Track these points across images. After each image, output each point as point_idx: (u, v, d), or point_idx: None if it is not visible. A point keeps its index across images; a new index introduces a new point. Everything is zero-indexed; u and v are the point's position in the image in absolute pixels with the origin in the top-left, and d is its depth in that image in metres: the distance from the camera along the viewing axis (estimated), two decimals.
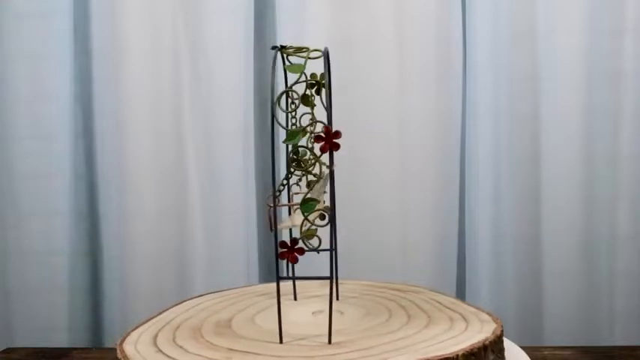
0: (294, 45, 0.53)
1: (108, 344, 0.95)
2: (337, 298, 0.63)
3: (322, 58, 0.50)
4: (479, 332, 0.51)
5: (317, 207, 0.47)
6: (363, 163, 0.90)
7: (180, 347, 0.50)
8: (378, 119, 0.91)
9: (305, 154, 0.56)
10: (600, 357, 0.76)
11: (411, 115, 0.91)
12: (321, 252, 0.49)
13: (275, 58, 0.50)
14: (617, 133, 0.88)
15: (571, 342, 0.88)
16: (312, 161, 0.50)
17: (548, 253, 0.90)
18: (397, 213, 0.91)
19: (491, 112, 0.91)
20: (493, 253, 0.92)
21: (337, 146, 0.46)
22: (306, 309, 0.60)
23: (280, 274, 0.50)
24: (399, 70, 0.90)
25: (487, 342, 0.49)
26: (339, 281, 0.65)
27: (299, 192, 0.59)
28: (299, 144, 0.50)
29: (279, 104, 0.48)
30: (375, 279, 0.71)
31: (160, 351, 0.49)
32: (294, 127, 0.51)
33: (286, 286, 0.68)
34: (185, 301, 0.65)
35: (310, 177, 0.57)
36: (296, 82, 0.49)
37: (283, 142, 0.49)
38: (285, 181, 0.57)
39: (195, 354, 0.48)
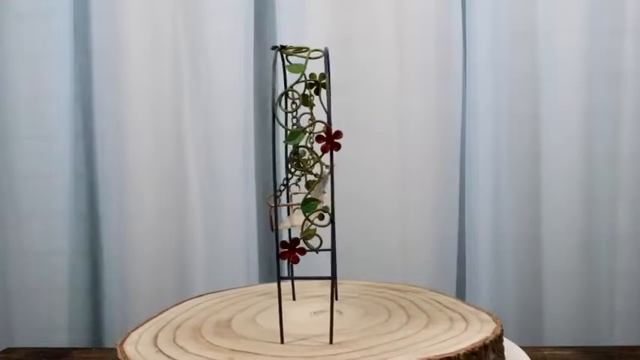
0: (294, 45, 0.53)
1: (108, 344, 0.95)
2: (336, 298, 0.63)
3: (322, 58, 0.50)
4: (479, 332, 0.51)
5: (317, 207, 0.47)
6: (363, 163, 0.90)
7: (181, 348, 0.50)
8: (378, 119, 0.91)
9: (304, 154, 0.56)
10: (600, 357, 0.76)
11: (411, 115, 0.91)
12: (320, 252, 0.49)
13: (275, 58, 0.50)
14: (617, 133, 0.88)
15: (571, 342, 0.88)
16: (312, 161, 0.50)
17: (548, 253, 0.90)
18: (397, 213, 0.91)
19: (491, 112, 0.91)
20: (493, 253, 0.92)
21: (338, 146, 0.46)
22: (305, 309, 0.60)
23: (281, 274, 0.50)
24: (399, 70, 0.90)
25: (488, 341, 0.49)
26: (338, 281, 0.65)
27: (298, 192, 0.59)
28: (299, 144, 0.50)
29: (280, 104, 0.48)
30: (374, 279, 0.71)
31: (161, 351, 0.49)
32: (294, 127, 0.51)
33: (285, 286, 0.68)
34: (185, 301, 0.65)
35: (309, 177, 0.57)
36: (296, 82, 0.49)
37: (284, 142, 0.49)
38: (286, 181, 0.57)
39: (196, 354, 0.48)
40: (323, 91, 0.52)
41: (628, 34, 0.87)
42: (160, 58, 0.91)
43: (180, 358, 0.47)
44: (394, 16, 0.90)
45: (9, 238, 0.94)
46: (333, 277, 0.49)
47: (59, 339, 0.92)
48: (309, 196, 0.47)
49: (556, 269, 0.90)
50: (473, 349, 0.47)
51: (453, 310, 0.58)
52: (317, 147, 0.49)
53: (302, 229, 0.48)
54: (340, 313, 0.58)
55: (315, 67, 0.52)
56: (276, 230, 0.50)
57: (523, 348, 0.59)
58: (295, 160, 0.55)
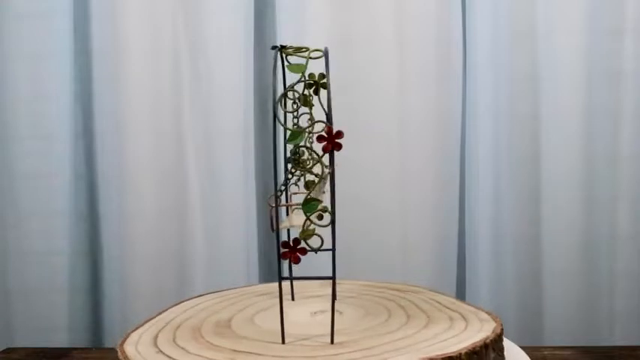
0: (294, 45, 0.53)
1: (108, 344, 0.95)
2: (335, 298, 0.63)
3: (322, 58, 0.50)
4: (479, 331, 0.51)
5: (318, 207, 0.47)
6: (363, 163, 0.90)
7: (182, 348, 0.50)
8: (378, 119, 0.91)
9: (303, 154, 0.56)
10: (600, 357, 0.76)
11: (411, 115, 0.91)
12: (320, 252, 0.49)
13: (276, 58, 0.50)
14: (617, 133, 0.88)
15: (571, 342, 0.88)
16: (312, 161, 0.50)
17: (548, 253, 0.90)
18: (397, 213, 0.91)
19: (491, 112, 0.91)
20: (493, 253, 0.92)
21: (339, 146, 0.46)
22: (305, 309, 0.60)
23: (275, 275, 0.50)
24: (399, 70, 0.90)
25: (488, 340, 0.49)
26: (338, 281, 0.65)
27: (297, 192, 0.59)
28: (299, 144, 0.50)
29: (280, 104, 0.48)
30: (374, 279, 0.71)
31: (161, 352, 0.49)
32: (295, 127, 0.51)
33: (284, 286, 0.68)
34: (184, 301, 0.65)
35: (309, 177, 0.57)
36: (297, 82, 0.49)
37: (286, 142, 0.49)
38: (288, 181, 0.57)
39: (197, 355, 0.48)
40: (322, 91, 0.52)
41: (628, 34, 0.87)
42: (159, 58, 0.91)
43: (181, 358, 0.47)
44: (394, 16, 0.90)
45: (9, 238, 0.94)
46: (333, 277, 0.49)
47: (59, 339, 0.92)
48: (310, 196, 0.47)
49: (556, 269, 0.90)
50: (474, 348, 0.47)
51: (453, 310, 0.58)
52: (317, 147, 0.49)
53: (303, 229, 0.48)
54: (340, 313, 0.58)
55: (316, 67, 0.52)
56: (277, 230, 0.50)
57: (523, 348, 0.59)
58: (296, 160, 0.55)
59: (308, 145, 0.53)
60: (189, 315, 0.59)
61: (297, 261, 0.48)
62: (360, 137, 0.90)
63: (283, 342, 0.50)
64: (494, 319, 0.55)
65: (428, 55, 0.90)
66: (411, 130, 0.91)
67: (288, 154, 0.58)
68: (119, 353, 0.49)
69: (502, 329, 0.52)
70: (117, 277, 0.93)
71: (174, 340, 0.52)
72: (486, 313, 0.57)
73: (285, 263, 0.67)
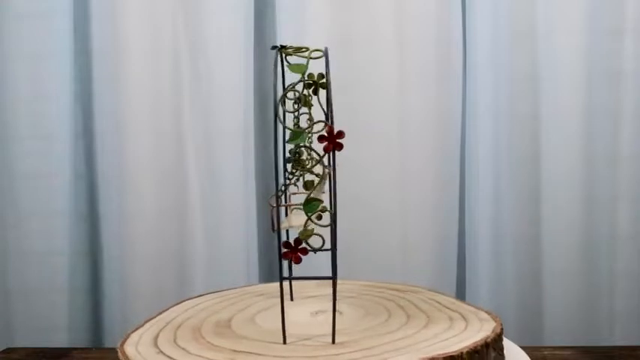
0: (294, 45, 0.53)
1: (108, 344, 0.95)
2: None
3: (323, 57, 0.50)
4: (479, 331, 0.51)
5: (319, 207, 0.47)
6: (363, 163, 0.90)
7: (183, 349, 0.49)
8: (378, 119, 0.91)
9: (302, 154, 0.56)
10: (600, 357, 0.76)
11: (411, 115, 0.91)
12: (319, 252, 0.49)
13: (276, 58, 0.50)
14: (617, 133, 0.88)
15: (571, 342, 0.88)
16: (312, 161, 0.50)
17: (548, 253, 0.90)
18: (397, 213, 0.91)
19: (491, 112, 0.91)
20: (493, 253, 0.92)
21: (340, 146, 0.46)
22: (304, 309, 0.60)
23: (275, 275, 0.50)
24: (399, 70, 0.90)
25: (489, 340, 0.49)
26: (337, 281, 0.65)
27: (297, 192, 0.59)
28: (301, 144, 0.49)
29: (282, 104, 0.48)
30: (373, 279, 0.71)
31: (162, 352, 0.49)
32: (296, 127, 0.51)
33: (277, 287, 0.68)
34: (184, 301, 0.65)
35: (307, 177, 0.57)
36: (298, 82, 0.49)
37: (287, 142, 0.49)
38: (288, 181, 0.57)
39: (197, 355, 0.48)
40: (321, 91, 0.52)
41: (628, 34, 0.87)
42: (159, 58, 0.91)
43: (182, 359, 0.47)
44: (394, 16, 0.90)
45: (9, 238, 0.94)
46: (334, 277, 0.49)
47: (59, 339, 0.92)
48: (311, 196, 0.47)
49: (556, 269, 0.90)
50: (475, 347, 0.47)
51: (452, 310, 0.58)
52: (317, 147, 0.49)
53: (305, 228, 0.48)
54: (340, 313, 0.58)
55: (316, 67, 0.52)
56: (278, 230, 0.50)
57: (523, 348, 0.59)
58: (298, 160, 0.55)
59: (307, 145, 0.53)
60: (190, 315, 0.59)
61: (299, 261, 0.48)
62: (360, 137, 0.90)
63: (285, 342, 0.50)
64: (494, 318, 0.55)
65: (428, 55, 0.90)
66: (411, 130, 0.91)
67: (287, 154, 0.58)
68: (120, 354, 0.49)
69: (502, 328, 0.52)
70: (117, 277, 0.93)
71: (174, 341, 0.52)
72: (486, 312, 0.57)
73: (285, 263, 0.67)
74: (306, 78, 0.51)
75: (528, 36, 0.89)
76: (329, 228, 0.48)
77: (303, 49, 0.52)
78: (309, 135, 0.51)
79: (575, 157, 0.89)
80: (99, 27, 0.92)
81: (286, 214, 0.59)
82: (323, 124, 0.48)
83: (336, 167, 0.47)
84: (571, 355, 0.76)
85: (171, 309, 0.62)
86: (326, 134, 0.46)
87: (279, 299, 0.62)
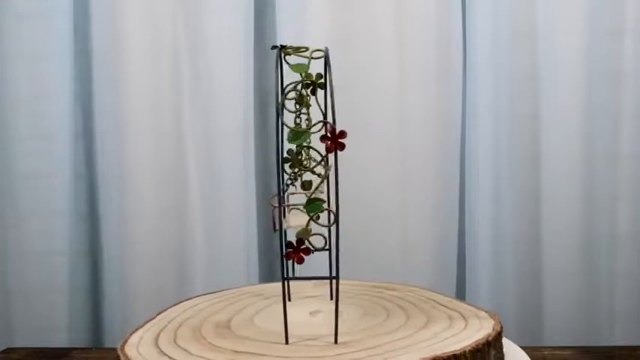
0: (294, 45, 0.53)
1: (108, 344, 0.95)
2: (331, 298, 0.63)
3: (323, 57, 0.50)
4: (479, 329, 0.51)
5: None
6: (363, 163, 0.90)
7: (185, 350, 0.49)
8: (378, 119, 0.91)
9: (300, 154, 0.56)
10: (600, 357, 0.76)
11: (411, 115, 0.91)
12: (317, 252, 0.49)
13: (277, 58, 0.50)
14: (617, 133, 0.88)
15: (571, 342, 0.88)
16: (310, 161, 0.50)
17: (548, 253, 0.90)
18: (397, 213, 0.91)
19: (491, 112, 0.91)
20: (493, 253, 0.92)
21: (343, 146, 0.46)
22: (302, 309, 0.59)
23: (275, 275, 0.50)
24: (399, 70, 0.90)
25: (490, 338, 0.49)
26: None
27: (295, 192, 0.58)
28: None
29: (283, 104, 0.48)
30: (372, 279, 0.71)
31: (163, 353, 0.49)
32: (298, 127, 0.51)
33: (276, 287, 0.68)
34: (182, 301, 0.65)
35: (305, 177, 0.57)
36: (298, 82, 0.49)
37: (288, 142, 0.49)
38: (289, 181, 0.57)
39: (199, 356, 0.48)
40: (320, 91, 0.52)
41: (628, 34, 0.87)
42: (159, 58, 0.91)
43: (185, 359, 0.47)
44: (394, 16, 0.90)
45: (9, 238, 0.94)
46: (336, 277, 0.49)
47: (59, 339, 0.92)
48: (313, 196, 0.47)
49: (556, 269, 0.90)
50: (477, 346, 0.47)
51: (451, 309, 0.58)
52: (318, 147, 0.49)
53: (304, 228, 0.48)
54: (340, 313, 0.58)
55: (316, 67, 0.52)
56: (280, 231, 0.50)
57: (523, 348, 0.59)
58: (291, 160, 0.55)
59: (308, 145, 0.53)
60: (189, 315, 0.59)
61: (301, 261, 0.48)
62: (360, 137, 0.89)
63: (287, 342, 0.50)
64: (493, 317, 0.55)
65: (428, 55, 0.90)
66: (411, 130, 0.91)
67: (285, 155, 0.58)
68: (121, 356, 0.49)
69: (501, 327, 0.53)
70: (117, 277, 0.93)
71: (175, 341, 0.52)
72: (485, 311, 0.57)
73: (286, 264, 0.66)
74: (304, 78, 0.51)
75: (528, 36, 0.89)
76: (327, 228, 0.48)
77: (303, 49, 0.52)
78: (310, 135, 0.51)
79: (575, 157, 0.89)
80: (99, 27, 0.92)
81: (283, 215, 0.59)
82: (321, 124, 0.48)
83: (332, 168, 0.47)
84: (571, 355, 0.76)
85: (171, 309, 0.62)
86: (328, 134, 0.46)
87: (276, 299, 0.63)
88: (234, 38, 0.91)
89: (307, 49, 0.52)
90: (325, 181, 0.48)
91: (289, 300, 0.63)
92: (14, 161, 0.93)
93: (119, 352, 0.50)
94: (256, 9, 0.94)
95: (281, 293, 0.62)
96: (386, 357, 0.46)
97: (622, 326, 0.89)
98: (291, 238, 0.49)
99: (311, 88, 0.51)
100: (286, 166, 0.51)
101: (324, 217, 0.49)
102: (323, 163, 0.48)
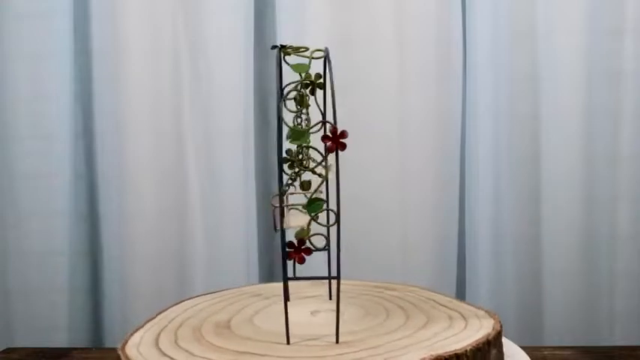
0: (294, 45, 0.53)
1: (108, 344, 0.95)
2: (330, 298, 0.63)
3: (324, 57, 0.50)
4: (479, 329, 0.51)
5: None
6: (363, 163, 0.90)
7: (186, 351, 0.49)
8: (378, 119, 0.91)
9: (300, 154, 0.56)
10: (600, 357, 0.76)
11: (411, 115, 0.91)
12: (317, 252, 0.49)
13: (278, 57, 0.50)
14: (617, 133, 0.88)
15: (571, 342, 0.88)
16: (309, 161, 0.50)
17: (548, 253, 0.90)
18: (397, 213, 0.91)
19: (491, 112, 0.91)
20: (493, 253, 0.92)
21: (344, 146, 0.46)
22: (302, 309, 0.59)
23: (275, 275, 0.50)
24: (399, 70, 0.90)
25: (490, 337, 0.49)
26: (335, 281, 0.65)
27: (294, 192, 0.58)
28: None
29: (284, 104, 0.48)
30: (372, 279, 0.71)
31: (164, 354, 0.49)
32: (299, 126, 0.51)
33: (275, 287, 0.68)
34: (182, 301, 0.64)
35: (304, 177, 0.57)
36: (298, 82, 0.49)
37: (290, 142, 0.49)
38: (290, 181, 0.56)
39: (201, 356, 0.48)
40: (319, 91, 0.52)
41: (628, 34, 0.87)
42: (159, 58, 0.91)
43: None
44: (394, 16, 0.90)
45: (9, 238, 0.94)
46: (337, 277, 0.49)
47: (59, 339, 0.92)
48: (314, 196, 0.47)
49: (556, 269, 0.90)
50: (478, 345, 0.47)
51: (451, 309, 0.58)
52: (318, 147, 0.49)
53: (303, 229, 0.48)
54: (341, 313, 0.58)
55: (317, 67, 0.52)
56: (281, 231, 0.50)
57: (523, 348, 0.59)
58: (293, 160, 0.55)
59: (309, 144, 0.53)
60: (189, 315, 0.59)
61: (302, 261, 0.48)
62: (360, 137, 0.89)
63: (288, 342, 0.49)
64: (493, 316, 0.55)
65: (428, 55, 0.90)
66: (411, 130, 0.91)
67: (284, 155, 0.58)
68: (122, 357, 0.49)
69: (501, 326, 0.53)
70: (117, 277, 0.93)
71: (175, 342, 0.51)
72: (485, 311, 0.57)
73: (288, 263, 0.66)
74: (303, 78, 0.51)
75: (528, 36, 0.89)
76: (326, 228, 0.48)
77: (302, 49, 0.52)
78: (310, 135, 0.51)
79: (575, 157, 0.89)
80: (99, 27, 0.92)
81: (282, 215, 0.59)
82: (320, 124, 0.48)
83: (331, 167, 0.47)
84: (571, 355, 0.76)
85: (170, 309, 0.62)
86: (330, 134, 0.46)
87: (276, 299, 0.63)
88: (234, 38, 0.91)
89: (307, 49, 0.52)
90: (331, 182, 0.48)
91: (288, 300, 0.63)
92: (14, 161, 0.93)
93: (120, 352, 0.50)
94: (256, 9, 0.94)
95: (281, 293, 0.62)
96: (387, 357, 0.46)
97: (622, 326, 0.89)
98: (291, 238, 0.49)
99: (310, 88, 0.51)
100: (286, 166, 0.51)
101: (322, 217, 0.49)
102: (323, 163, 0.48)
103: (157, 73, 0.91)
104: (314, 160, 0.50)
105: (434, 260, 0.92)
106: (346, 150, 0.47)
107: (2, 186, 0.94)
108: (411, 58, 0.90)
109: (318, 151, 0.49)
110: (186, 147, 0.92)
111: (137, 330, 0.55)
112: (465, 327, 0.52)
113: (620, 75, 0.87)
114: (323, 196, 0.49)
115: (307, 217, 0.48)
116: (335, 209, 0.47)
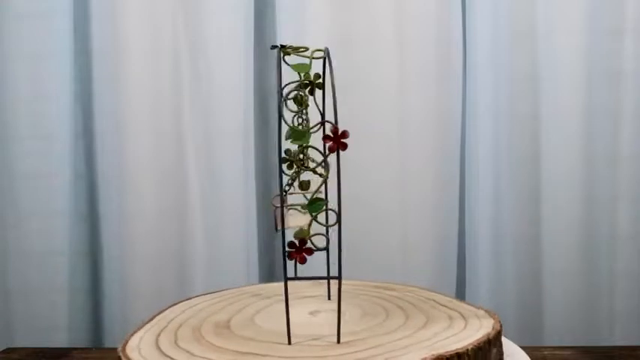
0: (294, 45, 0.53)
1: (108, 344, 0.95)
2: (329, 298, 0.63)
3: (324, 57, 0.50)
4: (479, 328, 0.52)
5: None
6: (363, 163, 0.90)
7: (187, 351, 0.49)
8: (378, 119, 0.91)
9: (297, 154, 0.56)
10: (600, 357, 0.76)
11: (411, 115, 0.91)
12: (319, 252, 0.49)
13: (279, 57, 0.50)
14: (617, 133, 0.88)
15: (571, 342, 0.88)
16: (308, 161, 0.50)
17: (548, 253, 0.90)
18: (397, 213, 0.91)
19: (491, 112, 0.91)
20: (493, 253, 0.92)
21: (345, 146, 0.46)
22: (301, 309, 0.59)
23: (275, 275, 0.50)
24: (399, 70, 0.90)
25: (491, 336, 0.50)
26: (334, 281, 0.65)
27: (293, 192, 0.58)
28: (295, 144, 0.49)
29: (285, 104, 0.48)
30: (370, 279, 0.71)
31: (165, 355, 0.49)
32: (300, 126, 0.51)
33: (274, 287, 0.68)
34: (181, 302, 0.64)
35: (302, 177, 0.57)
36: (297, 82, 0.49)
37: (291, 142, 0.49)
38: (291, 181, 0.56)
39: (202, 357, 0.48)
40: (319, 91, 0.52)
41: (628, 34, 0.87)
42: (159, 58, 0.91)
43: None
44: (394, 16, 0.90)
45: (9, 238, 0.94)
46: (339, 277, 0.49)
47: (59, 339, 0.92)
48: (315, 196, 0.47)
49: (556, 269, 0.90)
50: (479, 344, 0.48)
51: (450, 309, 0.58)
52: (318, 147, 0.49)
53: (301, 229, 0.48)
54: (342, 313, 0.58)
55: (317, 67, 0.52)
56: (282, 231, 0.50)
57: (523, 348, 0.59)
58: (291, 160, 0.55)
59: (310, 144, 0.53)
60: (188, 315, 0.59)
61: (304, 261, 0.48)
62: (360, 137, 0.89)
63: (290, 342, 0.49)
64: (492, 315, 0.56)
65: (428, 55, 0.90)
66: (411, 130, 0.91)
67: (283, 155, 0.58)
68: (122, 358, 0.49)
69: (501, 325, 0.53)
70: (117, 277, 0.93)
71: (176, 342, 0.51)
72: (484, 310, 0.57)
73: (289, 263, 0.66)
74: (302, 78, 0.51)
75: (528, 36, 0.89)
76: (328, 227, 0.48)
77: (302, 49, 0.52)
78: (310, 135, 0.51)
79: (575, 157, 0.89)
80: (99, 27, 0.92)
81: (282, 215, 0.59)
82: (322, 124, 0.47)
83: (334, 167, 0.47)
84: (571, 355, 0.76)
85: (170, 309, 0.62)
86: (331, 134, 0.46)
87: (276, 299, 0.63)
88: (234, 38, 0.91)
89: (307, 49, 0.52)
90: (330, 182, 0.48)
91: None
92: (14, 161, 0.93)
93: (120, 353, 0.49)
94: (256, 9, 0.94)
95: (280, 293, 0.62)
96: (388, 357, 0.46)
97: (622, 326, 0.89)
98: (292, 238, 0.49)
99: (309, 88, 0.51)
100: (285, 166, 0.51)
101: (321, 217, 0.49)
102: (324, 163, 0.48)
103: (157, 73, 0.91)
104: (313, 160, 0.50)
105: (434, 260, 0.92)
106: (347, 150, 0.47)
107: (2, 186, 0.94)
108: (411, 58, 0.90)
109: (319, 151, 0.49)
110: (186, 147, 0.92)
111: (137, 330, 0.55)
112: (465, 327, 0.52)
113: (620, 75, 0.87)
114: (322, 196, 0.49)
115: (306, 217, 0.48)
116: (336, 209, 0.47)
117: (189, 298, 0.66)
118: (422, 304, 0.60)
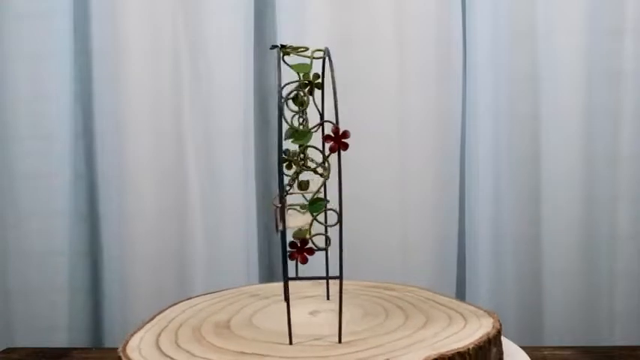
0: (294, 45, 0.53)
1: (108, 344, 0.94)
2: (328, 298, 0.63)
3: (324, 57, 0.50)
4: (478, 328, 0.52)
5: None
6: (363, 163, 0.90)
7: (187, 351, 0.49)
8: (378, 119, 0.91)
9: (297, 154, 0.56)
10: (600, 357, 0.76)
11: (411, 115, 0.91)
12: (319, 253, 0.49)
13: (279, 57, 0.50)
14: (617, 133, 0.88)
15: (571, 342, 0.88)
16: (307, 161, 0.50)
17: (548, 253, 0.90)
18: (397, 213, 0.91)
19: (491, 112, 0.91)
20: (493, 253, 0.92)
21: (346, 146, 0.46)
22: (301, 309, 0.59)
23: (275, 275, 0.50)
24: (399, 70, 0.90)
25: (491, 336, 0.50)
26: (334, 281, 0.65)
27: (293, 192, 0.58)
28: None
29: (286, 104, 0.48)
30: (370, 279, 0.71)
31: (166, 355, 0.49)
32: (300, 126, 0.51)
33: (274, 287, 0.68)
34: (180, 302, 0.64)
35: (301, 177, 0.57)
36: (297, 82, 0.49)
37: (292, 142, 0.49)
38: (291, 181, 0.56)
39: (203, 357, 0.48)
40: (318, 91, 0.52)
41: (628, 34, 0.87)
42: (159, 58, 0.91)
43: None
44: (394, 16, 0.90)
45: (9, 238, 0.94)
46: (340, 277, 0.49)
47: (59, 339, 0.92)
48: (316, 196, 0.47)
49: (556, 269, 0.90)
50: (479, 343, 0.48)
51: (450, 308, 0.59)
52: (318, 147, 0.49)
53: (300, 229, 0.48)
54: (343, 313, 0.58)
55: (318, 67, 0.52)
56: (283, 231, 0.50)
57: (523, 348, 0.59)
58: (291, 160, 0.55)
59: (311, 144, 0.53)
60: (188, 316, 0.59)
61: (305, 261, 0.48)
62: (360, 137, 0.89)
63: (291, 343, 0.49)
64: (491, 315, 0.56)
65: (428, 55, 0.90)
66: (411, 130, 0.91)
67: (283, 155, 0.58)
68: (123, 359, 0.49)
69: (500, 324, 0.53)
70: (117, 277, 0.93)
71: (176, 342, 0.51)
72: (484, 310, 0.57)
73: (290, 264, 0.67)
74: (301, 78, 0.51)
75: (528, 36, 0.89)
76: (325, 227, 0.48)
77: (302, 49, 0.52)
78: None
79: (575, 157, 0.89)
80: (99, 27, 0.92)
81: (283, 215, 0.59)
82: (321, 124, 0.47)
83: (334, 168, 0.47)
84: (571, 355, 0.76)
85: (169, 309, 0.62)
86: (332, 134, 0.46)
87: (275, 299, 0.63)
88: (234, 38, 0.91)
89: (307, 49, 0.52)
90: (329, 182, 0.48)
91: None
92: (14, 161, 0.93)
93: (120, 353, 0.49)
94: (256, 9, 0.94)
95: (279, 293, 0.63)
96: (392, 356, 0.46)
97: (622, 326, 0.89)
98: (291, 238, 0.49)
99: (308, 88, 0.51)
100: (284, 166, 0.51)
101: (320, 217, 0.49)
102: (325, 163, 0.48)
103: (157, 73, 0.91)
104: (312, 160, 0.50)
105: (434, 260, 0.92)
106: (347, 150, 0.47)
107: (2, 186, 0.94)
108: (411, 58, 0.90)
109: (320, 151, 0.49)
110: (186, 147, 0.92)
111: (137, 330, 0.55)
112: (465, 326, 0.53)
113: (620, 75, 0.87)
114: (321, 196, 0.49)
115: (305, 218, 0.48)
116: (337, 209, 0.47)
117: (190, 298, 0.66)
118: (422, 304, 0.60)
